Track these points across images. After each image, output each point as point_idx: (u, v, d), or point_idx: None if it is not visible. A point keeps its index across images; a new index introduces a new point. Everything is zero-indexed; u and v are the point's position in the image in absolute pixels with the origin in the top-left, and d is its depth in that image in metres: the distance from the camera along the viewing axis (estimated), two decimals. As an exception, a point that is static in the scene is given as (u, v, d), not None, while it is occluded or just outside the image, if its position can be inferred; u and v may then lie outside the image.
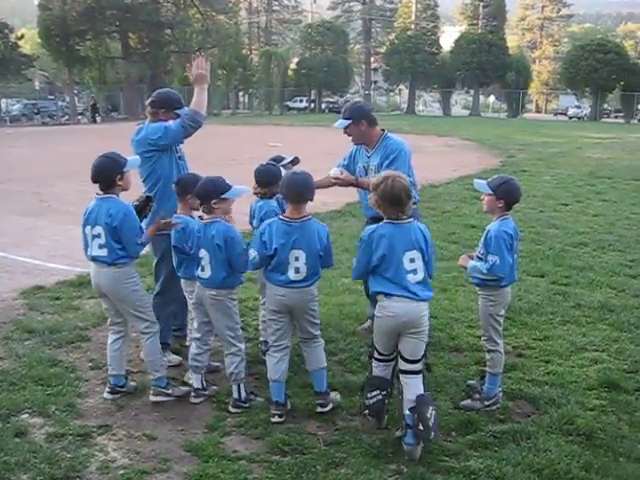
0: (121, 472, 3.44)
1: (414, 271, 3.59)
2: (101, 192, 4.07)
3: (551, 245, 8.41)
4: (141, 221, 4.18)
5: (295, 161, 5.07)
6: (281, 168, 4.71)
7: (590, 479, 3.38)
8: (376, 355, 3.79)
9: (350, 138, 5.09)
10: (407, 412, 3.58)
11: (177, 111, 4.76)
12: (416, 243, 3.61)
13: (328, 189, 5.10)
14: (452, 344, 5.17)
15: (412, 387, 3.64)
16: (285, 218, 3.90)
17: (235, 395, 4.14)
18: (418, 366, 3.67)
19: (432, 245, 3.74)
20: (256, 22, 76.24)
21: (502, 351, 4.14)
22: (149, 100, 4.87)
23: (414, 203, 4.94)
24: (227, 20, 55.74)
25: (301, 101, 63.92)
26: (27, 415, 4.00)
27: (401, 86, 69.36)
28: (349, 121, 4.93)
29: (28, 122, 43.16)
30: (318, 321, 4.09)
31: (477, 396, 4.15)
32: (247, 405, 4.13)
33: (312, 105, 63.83)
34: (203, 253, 4.07)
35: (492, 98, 67.77)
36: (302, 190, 3.88)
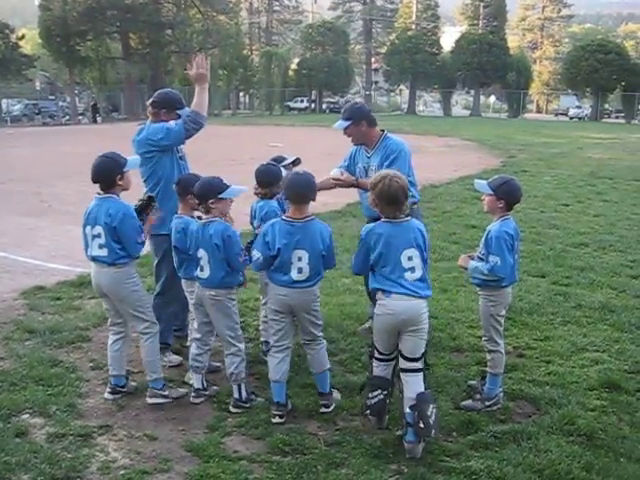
0: (122, 472, 3.44)
1: (412, 269, 3.61)
2: (101, 192, 4.07)
3: (552, 245, 8.41)
4: (143, 221, 4.17)
5: (296, 162, 5.07)
6: (282, 168, 4.71)
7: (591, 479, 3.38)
8: (376, 355, 3.80)
9: (350, 139, 5.09)
10: (408, 410, 3.59)
11: (178, 111, 4.76)
12: (414, 241, 3.63)
13: (329, 190, 5.10)
14: (453, 344, 5.17)
15: (413, 385, 3.65)
16: (288, 218, 3.91)
17: (236, 395, 4.14)
18: (418, 364, 3.68)
19: (428, 244, 3.76)
20: (257, 22, 76.27)
21: (503, 351, 4.14)
22: (150, 100, 4.86)
23: (414, 203, 4.98)
24: (228, 20, 55.80)
25: (302, 101, 63.93)
26: (28, 415, 4.00)
27: (402, 86, 69.38)
28: (349, 122, 4.92)
29: (29, 122, 43.24)
30: (320, 322, 4.09)
31: (478, 396, 4.15)
32: (248, 405, 4.13)
33: (313, 105, 63.84)
34: (201, 253, 4.08)
35: (493, 98, 67.77)
36: (304, 190, 3.88)
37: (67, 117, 46.70)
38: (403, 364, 3.69)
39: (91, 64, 50.04)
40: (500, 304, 4.07)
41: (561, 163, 18.59)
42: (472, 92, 66.23)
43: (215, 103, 48.61)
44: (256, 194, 4.71)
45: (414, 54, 59.46)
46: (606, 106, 60.45)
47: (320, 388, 4.14)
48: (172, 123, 4.67)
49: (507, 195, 4.02)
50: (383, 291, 3.63)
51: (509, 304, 4.27)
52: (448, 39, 65.59)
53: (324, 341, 4.15)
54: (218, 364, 4.65)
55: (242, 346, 4.21)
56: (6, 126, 39.39)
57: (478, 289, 4.15)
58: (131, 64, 48.21)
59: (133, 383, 4.42)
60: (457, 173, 15.81)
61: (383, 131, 5.04)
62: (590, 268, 7.34)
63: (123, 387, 4.33)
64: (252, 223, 4.77)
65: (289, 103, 62.61)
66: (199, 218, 4.21)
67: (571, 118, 57.79)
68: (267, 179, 4.58)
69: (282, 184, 4.39)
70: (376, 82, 74.87)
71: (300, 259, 3.85)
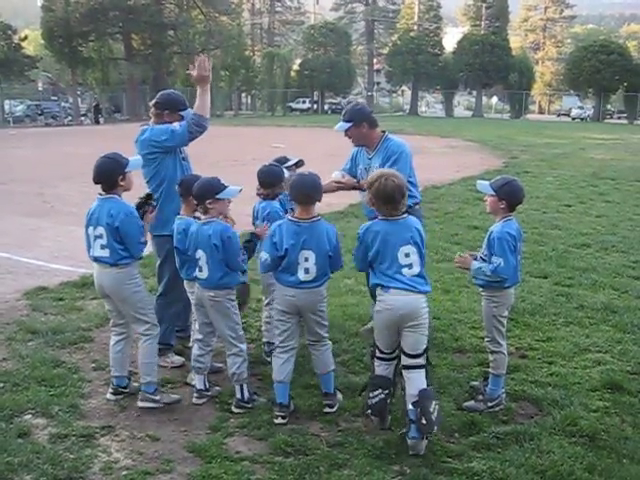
0: (124, 473, 3.44)
1: (409, 265, 3.64)
2: (103, 193, 4.07)
3: (554, 246, 8.40)
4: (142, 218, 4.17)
5: (299, 164, 5.06)
6: (284, 169, 4.71)
7: (593, 481, 3.37)
8: (378, 354, 3.81)
9: (350, 140, 5.08)
10: (410, 407, 3.60)
11: (181, 112, 4.76)
12: (411, 239, 3.65)
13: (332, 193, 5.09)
14: (455, 345, 5.16)
15: (415, 382, 3.65)
16: (294, 219, 3.91)
17: (238, 395, 4.14)
18: (420, 360, 3.69)
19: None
20: (259, 23, 76.31)
21: (505, 352, 4.13)
22: (153, 101, 4.86)
23: (416, 203, 4.98)
24: (230, 21, 55.92)
25: (304, 102, 63.98)
26: (30, 416, 4.01)
27: (404, 87, 69.44)
28: (350, 124, 4.90)
29: (31, 123, 43.26)
30: (326, 322, 4.09)
31: (480, 397, 4.14)
32: (250, 405, 4.13)
33: (315, 106, 63.89)
34: (200, 253, 4.08)
35: (495, 99, 67.74)
36: (310, 191, 3.89)
37: (69, 118, 46.73)
38: (405, 361, 3.70)
39: (93, 65, 50.14)
40: (503, 305, 4.07)
41: (563, 164, 18.57)
42: (474, 93, 66.24)
43: (217, 104, 48.67)
44: (258, 195, 4.71)
45: (416, 55, 59.51)
46: (608, 107, 60.47)
47: (324, 389, 4.14)
48: (176, 125, 4.66)
49: (509, 196, 4.02)
50: (382, 286, 3.67)
51: (511, 305, 4.27)
52: (450, 40, 65.64)
53: (329, 342, 4.15)
54: (220, 365, 4.64)
55: (244, 346, 4.21)
56: (9, 127, 39.44)
57: (481, 290, 4.15)
58: (133, 65, 48.29)
59: (135, 384, 4.40)
60: (459, 174, 15.81)
61: (384, 132, 5.03)
62: (592, 269, 7.33)
63: (125, 388, 4.33)
64: (254, 224, 4.76)
65: (291, 104, 62.64)
66: (198, 219, 4.22)
67: (573, 119, 57.77)
68: (269, 180, 4.59)
69: (284, 185, 4.40)
70: (378, 83, 74.89)
71: (307, 259, 3.85)
